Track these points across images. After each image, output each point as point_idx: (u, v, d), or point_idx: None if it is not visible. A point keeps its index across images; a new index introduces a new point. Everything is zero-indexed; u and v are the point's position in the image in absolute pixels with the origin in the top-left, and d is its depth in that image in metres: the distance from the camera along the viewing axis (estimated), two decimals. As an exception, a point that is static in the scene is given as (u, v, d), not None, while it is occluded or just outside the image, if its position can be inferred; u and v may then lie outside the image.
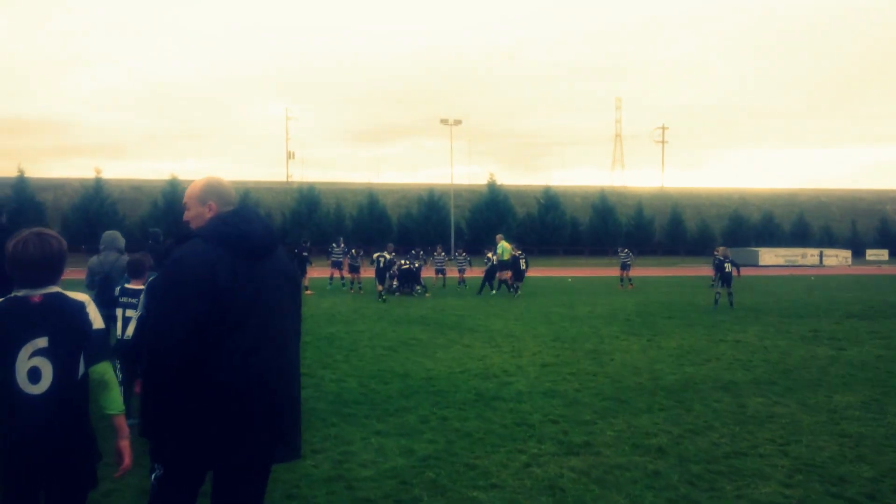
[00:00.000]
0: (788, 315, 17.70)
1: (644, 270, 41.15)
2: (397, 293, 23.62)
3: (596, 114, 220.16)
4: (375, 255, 23.02)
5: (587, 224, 74.53)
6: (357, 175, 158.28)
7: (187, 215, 3.36)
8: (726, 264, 20.01)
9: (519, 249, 24.84)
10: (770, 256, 57.81)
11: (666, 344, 12.60)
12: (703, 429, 6.97)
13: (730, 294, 19.81)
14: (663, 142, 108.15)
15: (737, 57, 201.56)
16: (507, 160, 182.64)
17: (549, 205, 72.30)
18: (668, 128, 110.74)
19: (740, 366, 10.40)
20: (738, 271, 20.23)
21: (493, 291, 24.37)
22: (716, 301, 19.83)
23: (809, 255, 59.96)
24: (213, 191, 3.33)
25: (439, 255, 28.71)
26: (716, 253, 21.18)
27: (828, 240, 76.46)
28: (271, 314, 3.16)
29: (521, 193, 76.79)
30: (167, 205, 63.16)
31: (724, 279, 19.89)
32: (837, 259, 60.67)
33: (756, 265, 55.83)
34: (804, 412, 7.65)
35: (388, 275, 22.73)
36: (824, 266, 57.14)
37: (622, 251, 29.10)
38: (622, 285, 27.83)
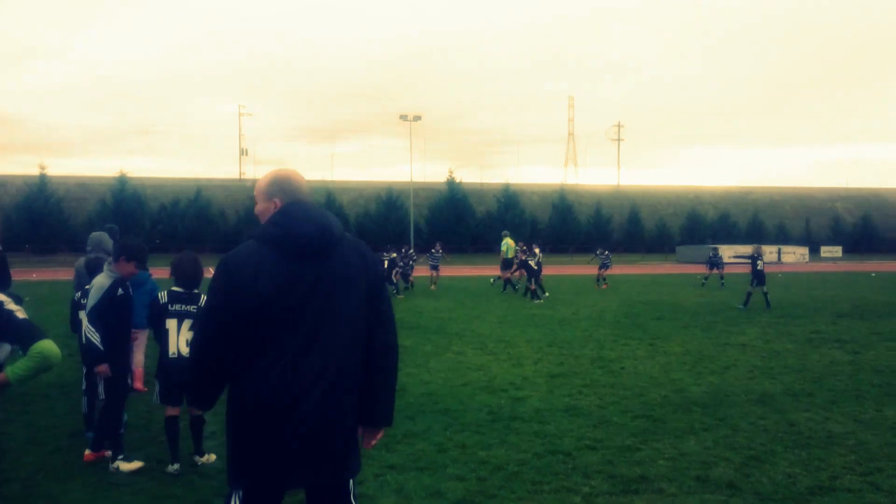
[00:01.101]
0: (779, 315, 17.04)
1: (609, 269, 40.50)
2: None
3: (551, 112, 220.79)
4: None
5: (546, 222, 74.09)
6: (312, 173, 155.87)
7: (256, 210, 3.13)
8: (759, 262, 19.18)
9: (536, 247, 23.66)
10: (728, 253, 57.84)
11: (670, 349, 11.73)
12: (764, 455, 6.04)
13: (765, 293, 18.94)
14: (619, 140, 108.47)
15: (690, 56, 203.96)
16: (463, 158, 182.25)
17: (509, 203, 71.65)
18: (623, 125, 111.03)
19: (763, 374, 9.56)
20: (763, 271, 19.30)
21: (538, 299, 21.79)
22: (747, 300, 18.96)
23: (768, 253, 60.06)
24: (279, 185, 3.04)
25: (437, 252, 27.22)
26: (752, 252, 19.90)
27: (782, 237, 77.11)
28: (323, 320, 2.84)
29: (480, 192, 76.04)
30: (116, 203, 60.98)
31: (758, 278, 18.98)
32: (795, 256, 61.08)
33: (716, 263, 55.76)
34: (864, 431, 6.79)
35: None
36: (783, 263, 57.37)
37: (601, 252, 28.17)
38: (598, 285, 27.04)
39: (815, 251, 70.31)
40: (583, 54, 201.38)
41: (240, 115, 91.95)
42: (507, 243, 25.34)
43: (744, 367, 10.03)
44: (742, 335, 13.44)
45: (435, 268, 26.65)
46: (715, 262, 28.39)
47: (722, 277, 27.89)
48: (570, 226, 73.24)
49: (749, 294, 19.09)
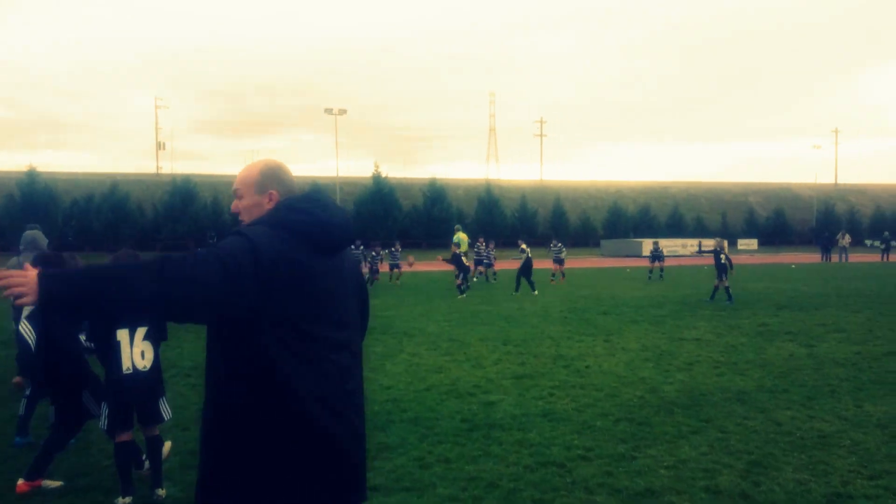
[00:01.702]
0: (720, 308, 17.08)
1: (539, 263, 40.47)
2: None
3: (474, 108, 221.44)
4: None
5: (473, 216, 73.97)
6: (233, 168, 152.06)
7: (238, 205, 2.66)
8: (721, 255, 19.14)
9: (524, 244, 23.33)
10: (652, 247, 58.87)
11: (627, 345, 11.47)
12: (765, 459, 5.74)
13: (727, 288, 18.81)
14: (542, 135, 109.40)
15: (609, 54, 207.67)
16: (387, 154, 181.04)
17: (435, 197, 71.21)
18: (546, 121, 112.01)
19: (730, 370, 9.35)
20: (731, 265, 19.29)
21: (535, 291, 21.73)
22: (713, 293, 18.88)
23: (689, 246, 61.48)
24: (275, 176, 2.65)
25: (396, 250, 26.34)
26: (714, 245, 20.14)
27: (701, 231, 79.03)
28: (343, 324, 2.54)
29: (406, 186, 75.38)
30: (25, 198, 57.97)
31: (720, 271, 18.94)
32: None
33: (639, 256, 56.68)
34: (854, 429, 6.58)
35: None
36: (703, 255, 58.71)
37: (555, 244, 27.51)
38: (553, 279, 26.57)
39: (732, 244, 72.32)
40: (504, 51, 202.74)
41: (156, 107, 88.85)
42: (460, 237, 24.86)
43: (708, 363, 9.81)
44: (693, 329, 13.31)
45: (397, 266, 25.86)
46: (657, 255, 28.50)
47: (662, 270, 28.07)
48: (497, 220, 73.31)
49: (716, 287, 18.99)
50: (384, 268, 26.42)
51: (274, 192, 2.61)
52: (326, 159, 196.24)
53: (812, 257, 48.60)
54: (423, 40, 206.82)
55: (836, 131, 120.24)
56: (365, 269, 23.91)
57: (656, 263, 28.24)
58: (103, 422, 4.97)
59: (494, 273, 27.58)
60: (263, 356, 2.32)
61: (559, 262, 26.48)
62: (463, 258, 22.44)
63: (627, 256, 55.80)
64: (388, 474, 5.45)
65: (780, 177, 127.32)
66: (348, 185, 73.61)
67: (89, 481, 5.45)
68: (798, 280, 27.06)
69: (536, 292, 21.61)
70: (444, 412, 7.30)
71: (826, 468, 5.52)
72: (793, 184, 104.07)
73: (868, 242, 72.92)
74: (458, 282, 21.56)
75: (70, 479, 5.42)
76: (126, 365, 4.86)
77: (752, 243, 74.01)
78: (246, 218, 2.61)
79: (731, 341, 11.84)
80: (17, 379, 6.15)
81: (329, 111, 57.22)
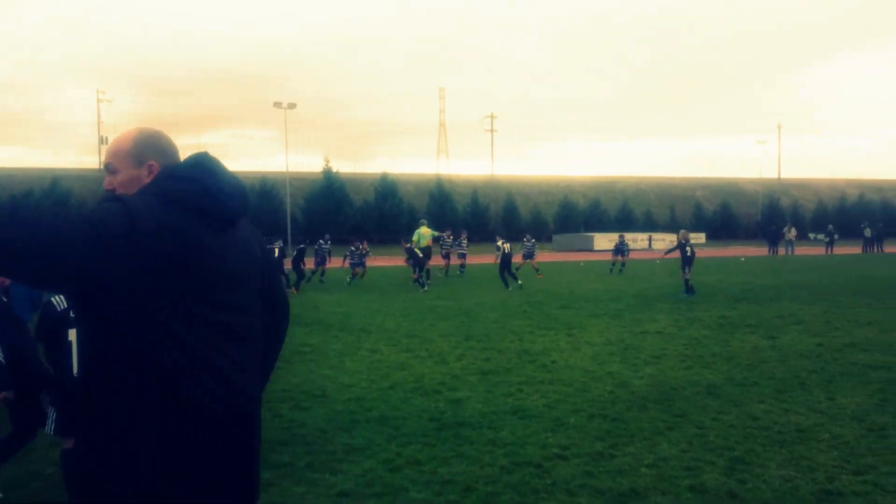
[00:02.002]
0: (677, 301, 17.07)
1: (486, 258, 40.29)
2: None
3: (424, 103, 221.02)
4: None
5: (424, 211, 73.63)
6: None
7: (112, 182, 2.28)
8: (688, 248, 19.04)
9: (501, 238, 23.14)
10: (604, 241, 59.16)
11: (591, 339, 11.30)
12: (747, 455, 5.55)
13: (686, 280, 18.83)
14: (492, 131, 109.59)
15: (557, 51, 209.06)
16: (336, 150, 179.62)
17: (387, 193, 70.71)
18: (496, 116, 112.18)
19: (698, 363, 9.22)
20: (693, 257, 19.30)
21: (509, 287, 21.30)
22: (686, 285, 18.69)
23: (640, 240, 62.16)
24: (153, 145, 2.30)
25: (363, 248, 25.44)
26: (678, 237, 20.12)
27: (650, 225, 79.96)
28: (239, 308, 2.18)
29: (357, 181, 74.72)
30: (-41, 194, 55.89)
31: (687, 262, 18.86)
32: (664, 243, 63.02)
33: (591, 250, 57.11)
34: (830, 423, 6.45)
35: None
36: (653, 249, 59.32)
37: (527, 239, 27.03)
38: (537, 274, 26.15)
39: (680, 238, 73.30)
40: (455, 47, 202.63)
41: (98, 101, 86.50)
42: (420, 232, 24.42)
43: (674, 357, 9.67)
44: (654, 322, 13.21)
45: (361, 264, 25.18)
46: (622, 249, 28.46)
47: (623, 265, 28.05)
48: (448, 215, 73.12)
49: (686, 280, 18.89)
50: (372, 261, 25.53)
51: (153, 162, 2.26)
52: (275, 155, 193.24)
53: (759, 250, 49.43)
54: (372, 35, 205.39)
55: (780, 127, 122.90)
56: (345, 264, 23.60)
57: (619, 257, 28.14)
58: (50, 426, 4.56)
59: (462, 266, 27.32)
60: (140, 340, 1.99)
61: (530, 256, 25.98)
62: (416, 250, 22.24)
63: (579, 251, 56.11)
64: (358, 479, 5.12)
65: (725, 172, 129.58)
66: (298, 180, 72.62)
67: (33, 490, 5.02)
68: (749, 273, 27.37)
69: (520, 281, 21.56)
70: (411, 411, 6.99)
71: (810, 464, 5.35)
72: (738, 178, 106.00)
73: (811, 236, 74.59)
74: (415, 276, 21.40)
75: (9, 490, 4.98)
76: (77, 368, 4.43)
77: (701, 237, 75.05)
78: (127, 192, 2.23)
79: (693, 334, 11.75)
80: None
81: (278, 105, 56.20)
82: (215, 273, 2.09)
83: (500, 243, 22.79)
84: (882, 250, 47.13)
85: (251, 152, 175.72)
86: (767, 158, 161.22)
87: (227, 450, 2.10)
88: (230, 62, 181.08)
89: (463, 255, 27.43)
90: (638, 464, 5.38)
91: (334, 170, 69.88)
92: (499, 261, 22.30)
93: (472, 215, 75.18)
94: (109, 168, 2.28)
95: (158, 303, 1.98)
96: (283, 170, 61.71)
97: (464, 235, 28.58)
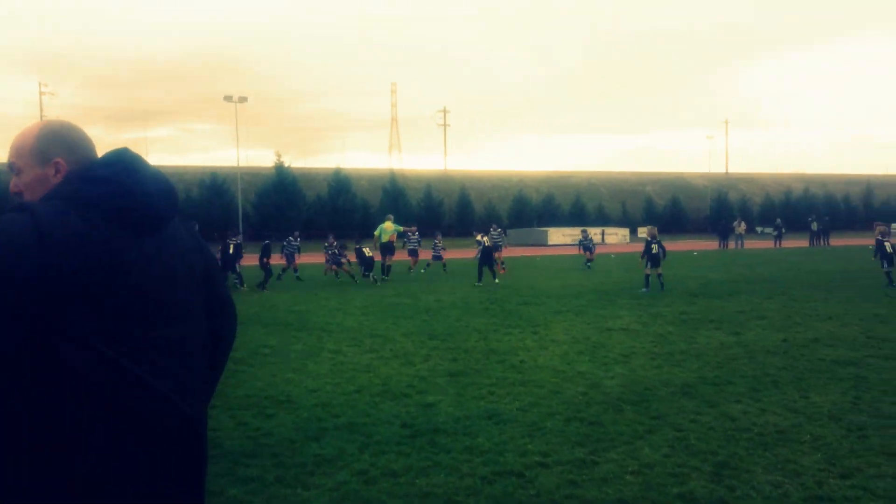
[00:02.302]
0: (636, 296, 17.06)
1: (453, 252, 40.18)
2: None
3: (376, 98, 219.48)
4: None
5: (378, 206, 73.15)
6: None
7: (17, 184, 2.04)
8: (653, 245, 18.95)
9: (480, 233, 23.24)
10: (558, 236, 59.57)
11: (557, 336, 11.15)
12: (731, 459, 5.41)
13: (659, 275, 18.76)
14: (445, 125, 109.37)
15: (507, 46, 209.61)
16: (287, 144, 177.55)
17: (340, 188, 70.04)
18: (449, 111, 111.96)
19: (668, 361, 9.11)
20: (664, 253, 19.27)
21: (481, 281, 21.34)
22: (647, 282, 18.57)
23: (593, 234, 62.53)
24: (59, 140, 2.04)
25: (332, 244, 24.59)
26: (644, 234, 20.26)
27: (602, 219, 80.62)
28: (173, 318, 1.96)
29: (309, 176, 73.88)
30: None
31: (652, 260, 18.78)
32: (617, 237, 63.86)
33: (545, 244, 57.33)
34: (810, 423, 6.35)
35: None
36: (606, 244, 59.78)
37: (493, 229, 26.63)
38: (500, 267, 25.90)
39: (633, 232, 74.11)
40: (407, 41, 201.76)
41: (40, 94, 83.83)
42: (383, 227, 24.05)
43: (643, 355, 9.56)
44: (618, 319, 13.13)
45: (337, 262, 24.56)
46: (587, 245, 28.37)
47: (590, 261, 27.99)
48: (402, 210, 72.74)
49: (647, 276, 18.77)
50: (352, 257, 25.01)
51: (60, 160, 2.01)
52: (225, 149, 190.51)
53: (709, 244, 50.15)
54: (324, 29, 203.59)
55: (727, 123, 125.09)
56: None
57: (587, 253, 28.00)
58: None
59: (441, 263, 27.10)
60: (55, 362, 1.76)
61: (496, 249, 25.49)
62: (366, 251, 22.32)
63: (534, 245, 56.25)
64: (331, 493, 4.84)
65: (674, 167, 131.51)
66: (249, 175, 71.61)
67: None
68: (703, 267, 27.63)
69: (498, 281, 21.42)
70: (381, 416, 6.72)
71: (795, 468, 5.23)
72: (686, 173, 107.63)
73: (759, 229, 76.09)
74: (364, 274, 21.70)
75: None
76: None
77: (652, 231, 76.05)
78: (31, 198, 1.99)
79: (658, 330, 11.69)
80: None
81: (228, 99, 55.23)
82: (140, 283, 1.87)
83: (479, 237, 22.78)
84: (828, 244, 48.19)
85: (201, 146, 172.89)
86: (715, 153, 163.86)
87: (171, 469, 1.91)
88: (179, 55, 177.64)
89: (439, 257, 27.04)
90: (622, 471, 5.20)
91: (286, 164, 68.90)
92: (478, 255, 22.14)
93: (426, 210, 74.92)
94: (13, 168, 2.03)
95: (77, 321, 1.77)
96: (234, 164, 60.73)
97: (439, 237, 28.36)
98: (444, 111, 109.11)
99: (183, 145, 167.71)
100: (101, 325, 1.80)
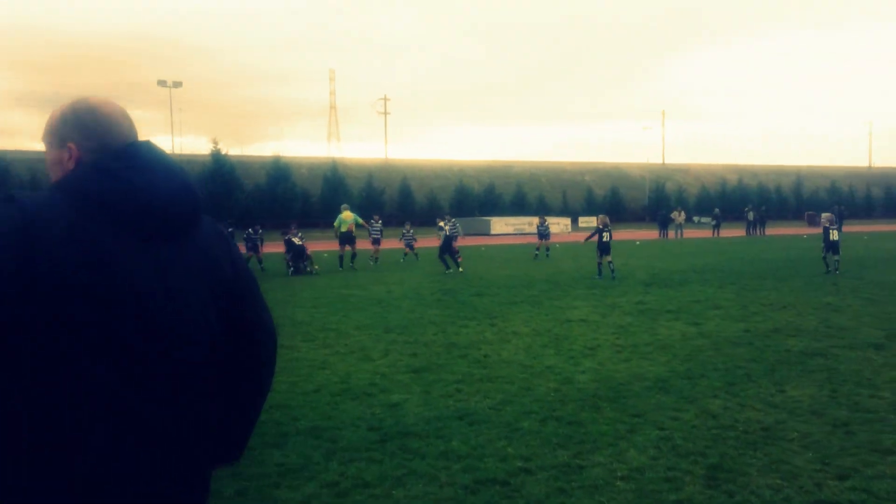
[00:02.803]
0: (590, 286, 16.88)
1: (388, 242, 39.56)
2: None
3: (314, 85, 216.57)
4: None
5: (318, 196, 72.09)
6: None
7: (47, 160, 1.83)
8: (605, 233, 19.07)
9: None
10: (501, 225, 59.64)
11: (517, 329, 10.83)
12: (723, 461, 5.13)
13: (610, 263, 18.92)
14: (385, 113, 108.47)
15: (447, 35, 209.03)
16: (223, 132, 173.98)
17: (279, 176, 68.63)
18: (389, 99, 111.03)
19: (635, 354, 8.86)
20: (610, 239, 19.41)
21: (450, 269, 21.05)
22: (599, 270, 18.82)
23: (535, 224, 62.76)
24: (78, 123, 1.80)
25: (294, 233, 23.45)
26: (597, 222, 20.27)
27: (544, 209, 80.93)
28: (176, 338, 1.71)
29: (247, 164, 72.26)
30: None
31: (603, 248, 18.94)
32: (559, 226, 64.11)
33: (488, 234, 57.28)
34: (793, 419, 6.14)
35: None
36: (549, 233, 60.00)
37: (448, 220, 26.12)
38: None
39: (574, 221, 74.64)
40: (344, 29, 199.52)
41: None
42: (341, 217, 23.43)
43: (609, 348, 9.29)
44: (574, 309, 12.89)
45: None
46: (544, 233, 28.17)
47: (548, 249, 27.90)
48: (343, 199, 71.70)
49: (599, 264, 18.93)
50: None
51: (73, 145, 1.81)
52: (159, 136, 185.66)
53: (649, 234, 50.72)
54: (260, 15, 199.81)
55: (664, 114, 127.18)
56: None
57: (542, 241, 27.88)
58: None
59: (413, 253, 26.76)
60: (52, 360, 1.59)
61: (453, 239, 25.05)
62: (295, 240, 21.81)
63: (476, 235, 56.07)
64: (300, 509, 4.40)
65: (612, 157, 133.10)
66: (185, 162, 69.51)
67: None
68: (648, 256, 27.74)
69: (462, 269, 21.17)
70: (345, 419, 6.27)
71: (790, 468, 4.97)
72: (623, 164, 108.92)
73: (696, 219, 77.37)
74: (290, 265, 21.48)
75: None
76: None
77: (592, 221, 76.66)
78: (52, 179, 1.82)
79: (618, 321, 11.47)
80: None
81: (163, 83, 53.57)
82: (137, 294, 1.66)
83: (441, 224, 22.58)
84: (764, 233, 49.19)
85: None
86: (652, 145, 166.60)
87: (171, 469, 1.73)
88: (112, 38, 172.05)
89: (377, 241, 26.46)
90: (611, 476, 4.87)
91: (223, 152, 67.21)
92: (440, 242, 21.85)
93: (367, 199, 74.13)
94: (45, 146, 1.87)
95: (70, 321, 1.59)
96: (169, 151, 59.00)
97: (408, 226, 27.83)
98: (385, 99, 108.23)
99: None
100: (79, 338, 1.60)
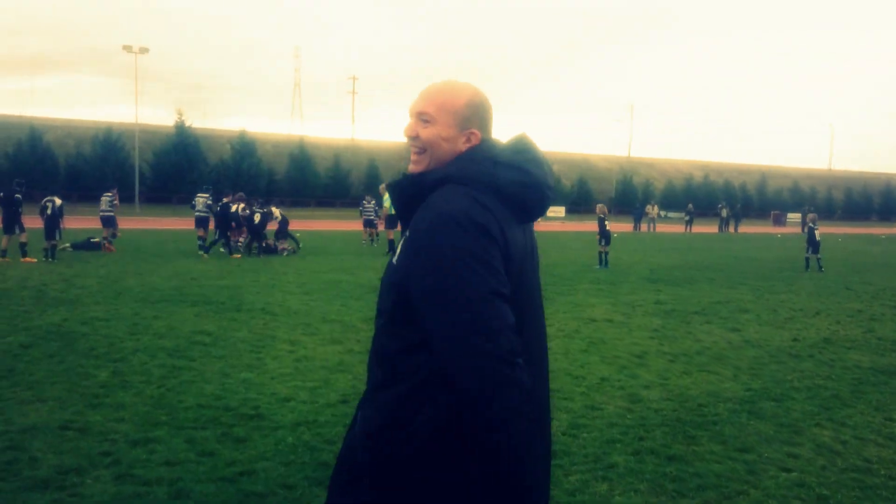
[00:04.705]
0: (595, 281, 15.87)
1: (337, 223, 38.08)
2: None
3: (280, 61, 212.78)
4: (44, 201, 17.23)
5: (284, 174, 70.23)
6: (6, 108, 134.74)
7: (418, 132, 1.95)
8: (606, 222, 19.45)
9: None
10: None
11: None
12: (891, 521, 4.09)
13: (605, 253, 19.35)
14: (353, 93, 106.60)
15: (418, 18, 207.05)
16: (185, 103, 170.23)
17: (245, 151, 66.50)
18: (358, 78, 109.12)
19: (693, 366, 7.81)
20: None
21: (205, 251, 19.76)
22: (600, 260, 19.33)
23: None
24: (482, 112, 1.98)
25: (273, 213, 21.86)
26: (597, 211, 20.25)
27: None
28: (538, 310, 2.02)
29: (212, 138, 70.05)
30: None
31: (605, 237, 19.26)
32: (530, 215, 63.38)
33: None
34: (930, 459, 5.14)
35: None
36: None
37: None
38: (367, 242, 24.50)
39: (542, 211, 73.83)
40: (311, 5, 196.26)
41: None
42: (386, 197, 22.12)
43: (657, 356, 8.23)
44: (592, 308, 11.83)
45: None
46: None
47: None
48: (310, 178, 70.11)
49: (600, 253, 19.35)
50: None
51: (476, 132, 1.96)
52: (116, 104, 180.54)
53: (621, 226, 50.10)
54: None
55: (632, 107, 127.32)
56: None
57: None
58: None
59: (376, 233, 25.50)
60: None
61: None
62: (256, 218, 20.42)
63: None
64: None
65: (578, 148, 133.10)
66: (147, 133, 67.06)
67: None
68: (632, 250, 27.05)
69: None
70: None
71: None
72: (590, 155, 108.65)
73: (663, 213, 77.27)
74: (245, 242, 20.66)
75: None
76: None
77: (560, 211, 76.08)
78: (425, 151, 1.94)
79: (646, 323, 10.45)
80: None
81: (128, 49, 51.16)
82: (523, 275, 1.89)
83: (273, 210, 21.84)
84: (737, 230, 48.92)
85: (92, 99, 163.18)
86: (618, 139, 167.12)
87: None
88: (65, 4, 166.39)
89: (370, 223, 25.13)
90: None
91: (188, 124, 64.88)
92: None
93: (334, 179, 72.58)
94: (423, 117, 1.95)
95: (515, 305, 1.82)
96: (132, 121, 56.69)
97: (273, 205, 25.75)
98: (353, 78, 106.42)
99: (74, 98, 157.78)
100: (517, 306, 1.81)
